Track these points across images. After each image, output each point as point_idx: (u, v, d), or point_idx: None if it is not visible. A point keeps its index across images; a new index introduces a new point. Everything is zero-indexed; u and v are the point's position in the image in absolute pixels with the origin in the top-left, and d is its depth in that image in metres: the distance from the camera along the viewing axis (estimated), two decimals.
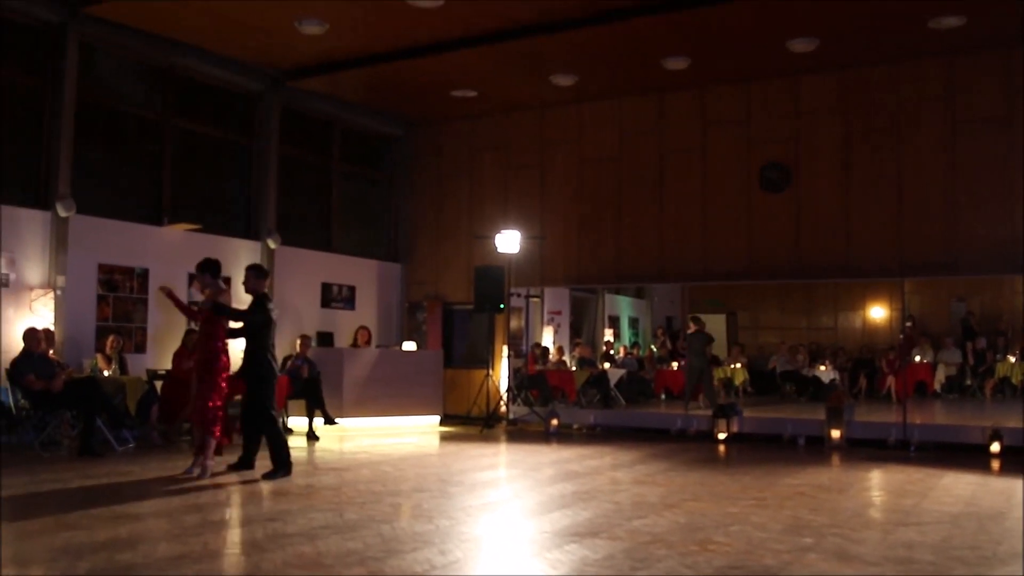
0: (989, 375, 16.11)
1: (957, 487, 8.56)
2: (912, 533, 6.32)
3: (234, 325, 8.77)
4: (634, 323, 19.54)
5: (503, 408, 14.70)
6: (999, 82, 12.40)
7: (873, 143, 13.22)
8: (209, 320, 8.61)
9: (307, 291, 14.93)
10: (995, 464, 10.32)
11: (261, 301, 8.83)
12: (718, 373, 16.95)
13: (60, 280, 11.42)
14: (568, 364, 15.83)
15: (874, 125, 13.21)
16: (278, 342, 13.87)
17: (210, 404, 8.53)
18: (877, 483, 9.14)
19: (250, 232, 14.20)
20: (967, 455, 10.90)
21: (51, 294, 11.29)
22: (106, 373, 11.20)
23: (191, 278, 13.07)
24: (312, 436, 12.14)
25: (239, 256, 13.83)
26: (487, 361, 15.05)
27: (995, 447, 10.93)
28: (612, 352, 16.83)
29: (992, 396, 15.81)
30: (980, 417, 12.82)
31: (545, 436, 13.14)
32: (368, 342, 14.53)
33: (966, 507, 7.43)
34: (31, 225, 11.27)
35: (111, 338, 11.58)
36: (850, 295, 19.55)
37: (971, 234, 12.49)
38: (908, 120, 13.00)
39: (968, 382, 16.45)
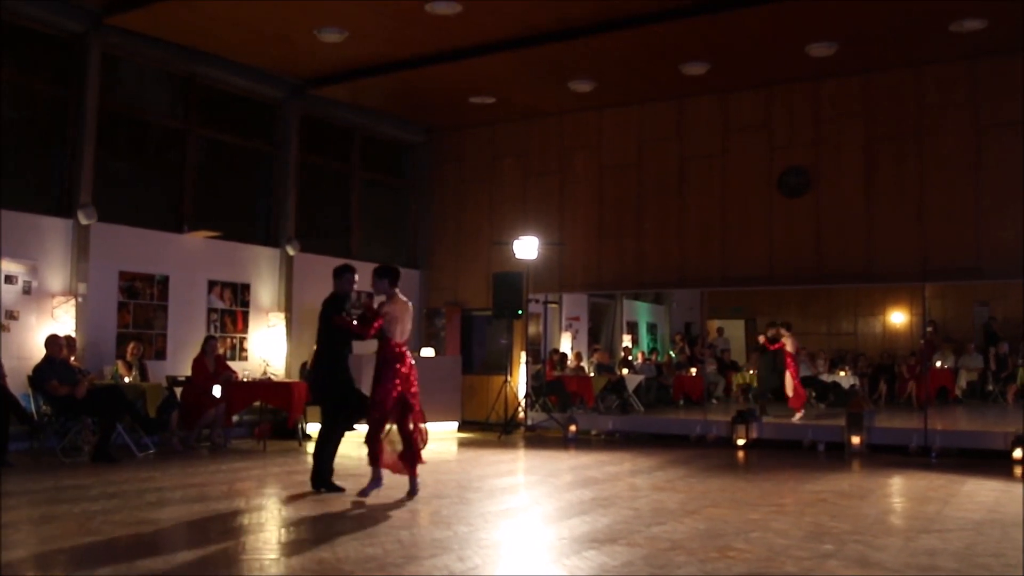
0: (1012, 381, 15.94)
1: (980, 494, 8.49)
2: (934, 540, 6.26)
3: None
4: (652, 329, 19.47)
5: (521, 414, 14.69)
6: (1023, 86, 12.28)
7: (895, 147, 13.15)
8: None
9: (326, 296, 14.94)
10: (1018, 470, 10.22)
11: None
12: (737, 379, 16.87)
13: (81, 287, 11.52)
14: (586, 370, 15.80)
15: (897, 129, 13.14)
16: (297, 349, 14.03)
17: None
18: (898, 490, 9.08)
19: (270, 239, 14.27)
20: (989, 461, 10.81)
21: (72, 301, 11.38)
22: (127, 379, 11.28)
23: (211, 285, 13.21)
24: None
25: (259, 263, 13.92)
26: (505, 367, 15.06)
27: (1018, 453, 10.82)
28: (630, 358, 16.78)
29: (1015, 402, 15.63)
30: (1003, 423, 12.68)
31: (563, 442, 13.13)
32: None
33: (989, 514, 7.36)
34: (53, 233, 11.38)
35: (132, 345, 11.67)
36: (870, 300, 19.38)
37: (994, 238, 12.39)
38: (931, 124, 12.92)
39: (990, 387, 16.28)
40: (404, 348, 7.91)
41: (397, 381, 7.76)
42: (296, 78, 14.16)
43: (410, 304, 8.14)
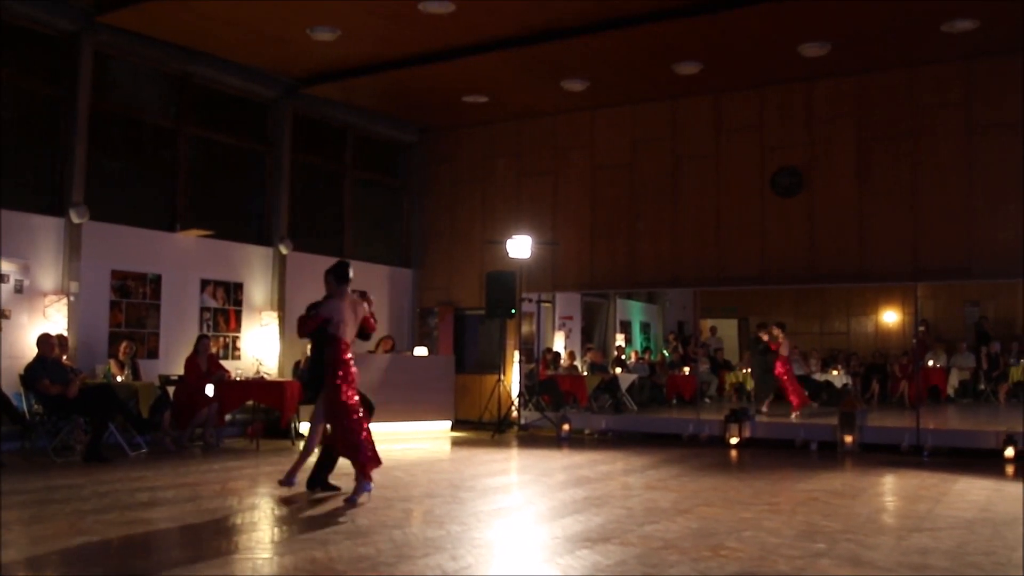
0: (1003, 380, 16.01)
1: (971, 492, 8.51)
2: (926, 539, 6.28)
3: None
4: (646, 328, 19.49)
5: (515, 413, 14.69)
6: (1018, 86, 12.28)
7: (889, 147, 13.16)
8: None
9: (318, 297, 14.88)
10: (1009, 469, 10.26)
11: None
12: (730, 378, 16.90)
13: (74, 286, 11.48)
14: (580, 369, 15.81)
15: (890, 129, 13.15)
16: (290, 348, 14.02)
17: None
18: (890, 488, 9.10)
19: (263, 238, 14.25)
20: (981, 460, 10.85)
21: (64, 300, 11.34)
22: (119, 379, 11.25)
23: (203, 283, 13.19)
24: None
25: (251, 262, 13.90)
26: (499, 366, 15.04)
27: (1009, 452, 10.87)
28: (623, 357, 16.80)
29: (1006, 401, 15.70)
30: (994, 422, 12.73)
31: (557, 441, 13.13)
32: (390, 351, 14.36)
33: (980, 512, 7.39)
34: (45, 232, 11.34)
35: (124, 344, 11.64)
36: (863, 300, 19.45)
37: (987, 238, 12.43)
38: (925, 124, 12.94)
39: (982, 387, 16.35)
40: (349, 347, 7.75)
41: (351, 378, 7.63)
42: (289, 77, 14.14)
43: (364, 304, 7.94)
